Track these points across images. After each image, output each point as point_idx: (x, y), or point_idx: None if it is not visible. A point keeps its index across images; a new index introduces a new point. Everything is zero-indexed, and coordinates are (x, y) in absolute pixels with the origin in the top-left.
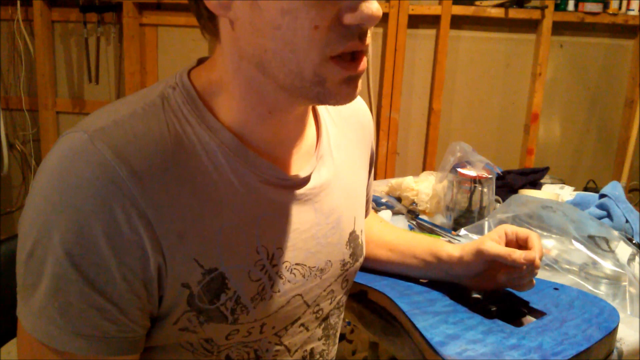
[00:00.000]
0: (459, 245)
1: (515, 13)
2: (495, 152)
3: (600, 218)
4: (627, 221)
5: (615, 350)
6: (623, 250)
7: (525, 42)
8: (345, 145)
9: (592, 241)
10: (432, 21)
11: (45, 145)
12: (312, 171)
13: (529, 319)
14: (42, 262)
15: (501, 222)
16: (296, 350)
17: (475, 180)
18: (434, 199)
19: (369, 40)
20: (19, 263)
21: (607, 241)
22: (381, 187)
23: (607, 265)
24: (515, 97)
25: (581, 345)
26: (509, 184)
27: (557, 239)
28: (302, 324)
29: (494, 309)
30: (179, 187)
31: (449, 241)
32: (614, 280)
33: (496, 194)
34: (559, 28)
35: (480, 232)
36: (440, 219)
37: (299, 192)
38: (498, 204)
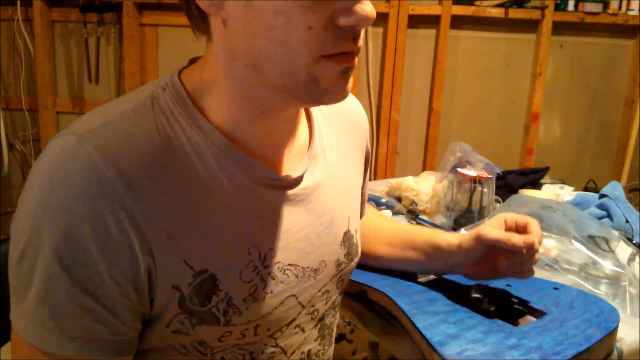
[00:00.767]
0: (458, 234)
1: (515, 13)
2: (495, 152)
3: (600, 218)
4: (627, 221)
5: (615, 350)
6: (623, 250)
7: (525, 42)
8: (338, 145)
9: (592, 241)
10: (432, 21)
11: (45, 145)
12: (304, 171)
13: (529, 319)
14: (32, 265)
15: None
16: (293, 352)
17: (475, 180)
18: (434, 199)
19: (362, 41)
20: (11, 265)
21: (607, 241)
22: (381, 187)
23: (607, 265)
24: (515, 97)
25: (581, 345)
26: (509, 184)
27: (557, 239)
28: (298, 325)
29: (493, 308)
30: (168, 188)
31: None
32: (614, 280)
33: (496, 194)
34: (559, 28)
35: None
36: (440, 219)
37: (291, 192)
38: (498, 204)
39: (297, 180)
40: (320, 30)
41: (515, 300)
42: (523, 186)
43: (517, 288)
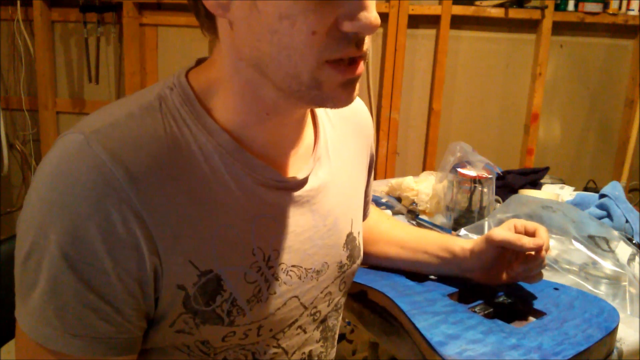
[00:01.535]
0: (470, 240)
1: (515, 13)
2: (495, 152)
3: (600, 218)
4: (627, 221)
5: (615, 350)
6: (623, 250)
7: (525, 42)
8: (343, 147)
9: (592, 241)
10: (432, 21)
11: (45, 145)
12: (309, 173)
13: (529, 319)
14: (38, 263)
15: (501, 222)
16: (294, 353)
17: (475, 180)
18: (434, 199)
19: (367, 46)
20: (17, 264)
21: (607, 241)
22: (381, 187)
23: (607, 265)
24: (515, 97)
25: (581, 345)
26: (509, 184)
27: (557, 239)
28: (300, 326)
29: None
30: (174, 188)
31: None
32: (614, 280)
33: (496, 194)
34: (559, 28)
35: (480, 232)
36: (440, 219)
37: (296, 194)
38: (498, 204)
39: (302, 182)
40: (324, 35)
41: (516, 301)
42: (523, 186)
43: (517, 288)
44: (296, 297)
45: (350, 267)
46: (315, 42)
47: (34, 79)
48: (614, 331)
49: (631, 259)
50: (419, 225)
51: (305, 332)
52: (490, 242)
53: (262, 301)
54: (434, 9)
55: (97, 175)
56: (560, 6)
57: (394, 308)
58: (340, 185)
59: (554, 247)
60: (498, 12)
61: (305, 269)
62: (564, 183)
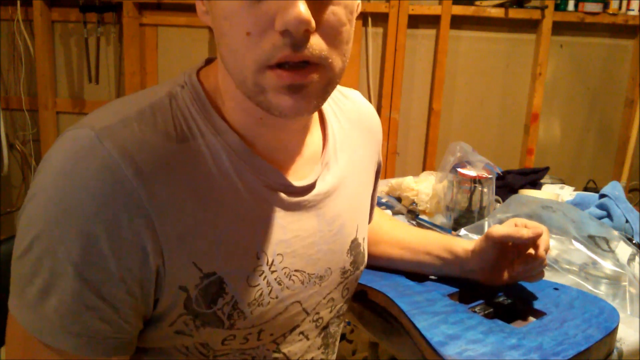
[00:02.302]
0: (471, 240)
1: (515, 13)
2: (495, 152)
3: (600, 218)
4: (627, 221)
5: (615, 350)
6: (623, 250)
7: (525, 42)
8: (351, 152)
9: (592, 241)
10: (432, 21)
11: (45, 145)
12: (317, 178)
13: (529, 319)
14: (39, 258)
15: (501, 222)
16: None
17: (475, 180)
18: (434, 199)
19: (317, 51)
20: (15, 256)
21: (607, 241)
22: (381, 187)
23: (607, 265)
24: (515, 97)
25: (581, 345)
26: (509, 184)
27: (557, 239)
28: (302, 332)
29: (492, 310)
30: (182, 188)
31: None
32: (614, 280)
33: (496, 194)
34: (559, 28)
35: (480, 232)
36: (440, 219)
37: (302, 198)
38: (498, 204)
39: (310, 187)
40: (259, 37)
41: (516, 301)
42: (523, 186)
43: (517, 288)
44: (298, 302)
45: (353, 273)
46: (250, 44)
47: (34, 79)
48: (614, 331)
49: (631, 259)
50: (419, 225)
51: (307, 338)
52: (490, 240)
53: (264, 305)
54: (434, 9)
55: (107, 174)
56: (560, 6)
57: (394, 308)
58: (348, 191)
59: (554, 247)
60: (498, 12)
61: (308, 274)
62: (564, 183)
